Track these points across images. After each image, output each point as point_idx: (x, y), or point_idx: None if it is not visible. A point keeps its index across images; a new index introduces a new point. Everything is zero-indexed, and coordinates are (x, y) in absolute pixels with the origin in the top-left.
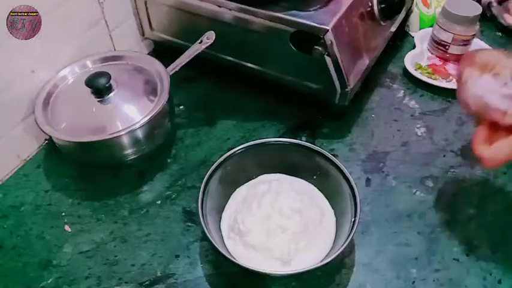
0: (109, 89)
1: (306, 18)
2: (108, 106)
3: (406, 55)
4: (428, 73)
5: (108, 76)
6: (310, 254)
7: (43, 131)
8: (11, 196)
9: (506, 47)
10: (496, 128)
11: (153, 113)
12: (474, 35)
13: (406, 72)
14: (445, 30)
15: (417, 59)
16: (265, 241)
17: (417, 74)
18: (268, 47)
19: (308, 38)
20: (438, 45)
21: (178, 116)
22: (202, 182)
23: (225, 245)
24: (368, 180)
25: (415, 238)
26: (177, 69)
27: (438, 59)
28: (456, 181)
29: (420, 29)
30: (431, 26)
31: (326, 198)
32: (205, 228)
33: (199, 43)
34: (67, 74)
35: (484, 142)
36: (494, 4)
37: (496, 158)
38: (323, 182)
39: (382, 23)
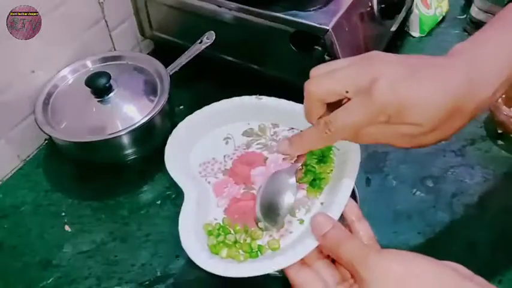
0: (109, 89)
1: (306, 18)
2: (108, 106)
3: None
4: None
5: (108, 76)
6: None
7: (43, 131)
8: (11, 196)
9: None
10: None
11: (153, 113)
12: None
13: None
14: (484, 11)
15: None
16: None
17: None
18: (268, 47)
19: (308, 38)
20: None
21: (178, 116)
22: None
23: None
24: (368, 180)
25: (415, 238)
26: (177, 69)
27: None
28: (456, 181)
29: (420, 29)
30: (433, 27)
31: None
32: None
33: (199, 43)
34: (67, 74)
35: None
36: None
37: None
38: None
39: (382, 23)
